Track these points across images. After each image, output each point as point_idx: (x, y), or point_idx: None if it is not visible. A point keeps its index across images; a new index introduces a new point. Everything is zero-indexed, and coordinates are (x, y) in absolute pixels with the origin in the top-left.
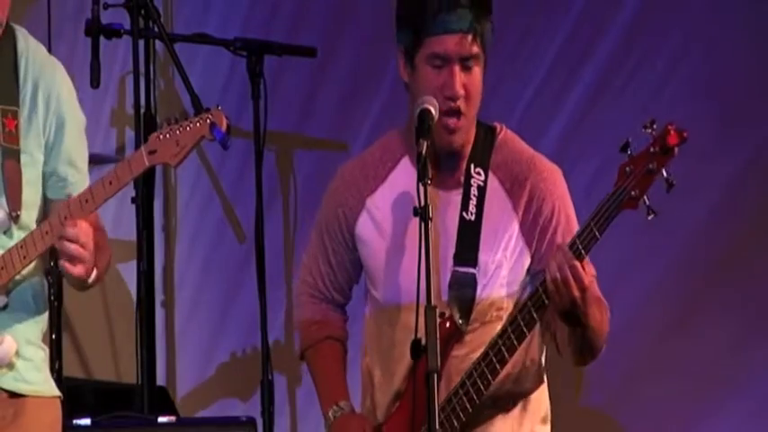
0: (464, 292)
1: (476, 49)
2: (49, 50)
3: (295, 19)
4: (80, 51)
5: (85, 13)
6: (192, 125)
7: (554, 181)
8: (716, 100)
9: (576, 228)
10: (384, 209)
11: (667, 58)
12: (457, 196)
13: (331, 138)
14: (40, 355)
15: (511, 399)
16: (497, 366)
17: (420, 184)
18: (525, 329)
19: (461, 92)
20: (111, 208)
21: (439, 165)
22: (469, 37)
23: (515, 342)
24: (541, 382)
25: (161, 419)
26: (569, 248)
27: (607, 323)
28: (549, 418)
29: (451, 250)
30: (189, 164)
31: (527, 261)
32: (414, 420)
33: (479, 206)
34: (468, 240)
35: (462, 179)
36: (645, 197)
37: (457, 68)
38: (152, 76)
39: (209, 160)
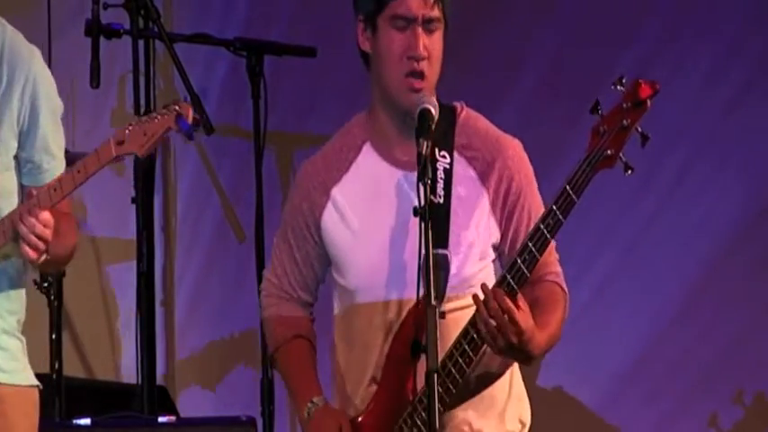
0: (438, 271)
1: (437, 12)
2: (49, 50)
3: (295, 19)
4: (80, 51)
5: (85, 13)
6: (159, 116)
7: (520, 158)
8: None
9: (540, 205)
10: (350, 197)
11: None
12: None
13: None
14: (17, 344)
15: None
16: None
17: (420, 184)
18: (464, 366)
19: (425, 53)
20: (111, 208)
21: (404, 147)
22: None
23: (464, 367)
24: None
25: (161, 419)
26: (501, 282)
27: (562, 320)
28: (527, 423)
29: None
30: (189, 163)
31: (496, 238)
32: (391, 411)
33: (447, 188)
34: (439, 222)
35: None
36: (621, 154)
37: (420, 30)
38: (152, 76)
39: (210, 160)
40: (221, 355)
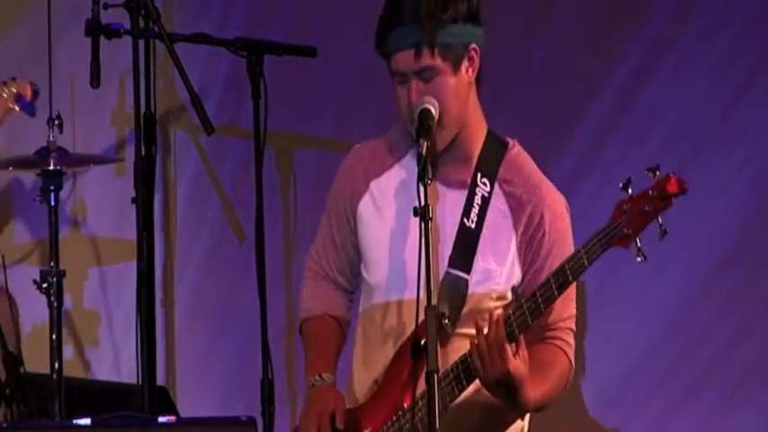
0: (455, 295)
1: (426, 61)
2: (49, 50)
3: (295, 19)
4: (80, 51)
5: (85, 12)
6: None
7: (555, 210)
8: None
9: None
10: (387, 195)
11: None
12: (460, 197)
13: (331, 137)
14: None
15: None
16: (456, 391)
17: (420, 184)
18: (455, 390)
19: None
20: (111, 208)
21: (444, 162)
22: (413, 52)
23: (455, 391)
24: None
25: (161, 419)
26: (513, 314)
27: (560, 383)
28: None
29: (447, 252)
30: (189, 163)
31: (517, 280)
32: (386, 414)
33: (481, 215)
34: (466, 246)
35: (468, 181)
36: (637, 239)
37: (414, 83)
38: (152, 76)
39: (210, 160)
40: (221, 355)
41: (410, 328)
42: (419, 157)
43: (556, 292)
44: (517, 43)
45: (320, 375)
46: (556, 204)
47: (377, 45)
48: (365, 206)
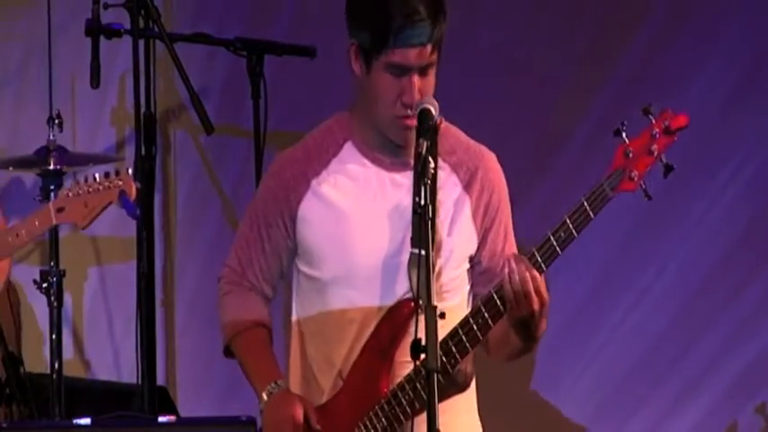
0: (423, 272)
1: (434, 56)
2: (49, 50)
3: (295, 19)
4: (80, 51)
5: (85, 12)
6: (101, 188)
7: (499, 172)
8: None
9: (510, 223)
10: (332, 191)
11: None
12: (407, 179)
13: None
14: None
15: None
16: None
17: (420, 184)
18: (479, 333)
19: (419, 98)
20: (111, 208)
21: (387, 149)
22: (429, 47)
23: (468, 346)
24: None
25: (161, 419)
26: (530, 259)
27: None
28: (476, 408)
29: (407, 234)
30: (189, 163)
31: (472, 248)
32: (356, 404)
33: (432, 192)
34: (422, 224)
35: (411, 162)
36: (642, 181)
37: (415, 78)
38: (152, 76)
39: (210, 160)
40: (221, 355)
41: (375, 320)
42: (419, 157)
43: (559, 250)
44: (516, 41)
45: (275, 383)
46: (496, 165)
47: (377, 32)
48: (308, 206)
